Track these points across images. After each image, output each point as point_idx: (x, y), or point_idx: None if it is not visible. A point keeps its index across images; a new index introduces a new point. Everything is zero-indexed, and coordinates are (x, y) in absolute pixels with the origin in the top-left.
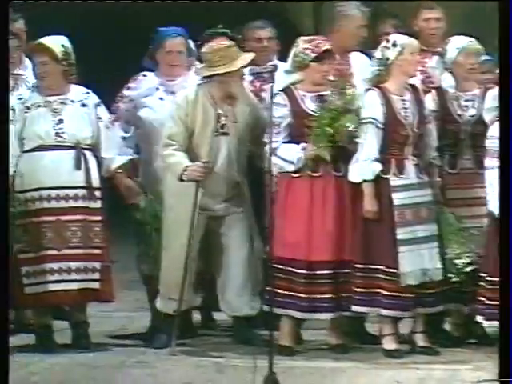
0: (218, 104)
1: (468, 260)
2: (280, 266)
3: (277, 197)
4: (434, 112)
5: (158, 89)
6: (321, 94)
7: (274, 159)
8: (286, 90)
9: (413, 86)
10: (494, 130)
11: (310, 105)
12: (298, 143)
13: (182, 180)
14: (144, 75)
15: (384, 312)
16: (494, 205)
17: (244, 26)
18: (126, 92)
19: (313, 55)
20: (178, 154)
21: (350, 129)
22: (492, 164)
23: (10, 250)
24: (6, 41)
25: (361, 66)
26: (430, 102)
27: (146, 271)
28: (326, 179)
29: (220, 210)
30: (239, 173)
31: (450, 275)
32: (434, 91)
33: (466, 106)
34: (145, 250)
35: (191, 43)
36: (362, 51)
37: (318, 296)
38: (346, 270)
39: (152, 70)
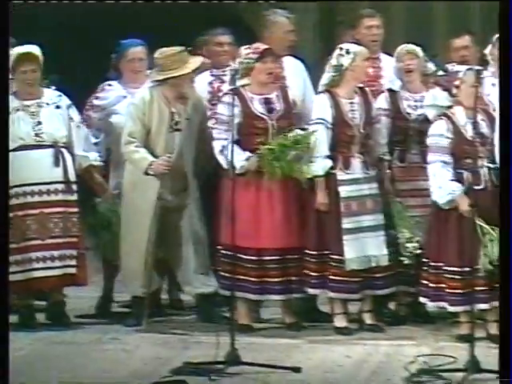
0: (171, 104)
1: (417, 244)
2: (232, 253)
3: (227, 189)
4: (385, 110)
5: (125, 97)
6: (267, 97)
7: (219, 157)
8: (236, 91)
9: (362, 90)
10: (433, 129)
11: (258, 107)
12: (245, 144)
13: (147, 174)
14: (110, 84)
15: (332, 294)
16: (436, 195)
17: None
18: (95, 101)
19: (255, 56)
20: (141, 150)
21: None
22: (434, 159)
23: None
24: (6, 41)
25: (293, 69)
26: (383, 101)
27: (111, 259)
28: (263, 179)
29: (174, 200)
30: (191, 166)
31: (402, 258)
32: (386, 92)
33: (415, 106)
34: (106, 240)
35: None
36: (293, 55)
37: (268, 280)
38: (296, 256)
39: (116, 79)
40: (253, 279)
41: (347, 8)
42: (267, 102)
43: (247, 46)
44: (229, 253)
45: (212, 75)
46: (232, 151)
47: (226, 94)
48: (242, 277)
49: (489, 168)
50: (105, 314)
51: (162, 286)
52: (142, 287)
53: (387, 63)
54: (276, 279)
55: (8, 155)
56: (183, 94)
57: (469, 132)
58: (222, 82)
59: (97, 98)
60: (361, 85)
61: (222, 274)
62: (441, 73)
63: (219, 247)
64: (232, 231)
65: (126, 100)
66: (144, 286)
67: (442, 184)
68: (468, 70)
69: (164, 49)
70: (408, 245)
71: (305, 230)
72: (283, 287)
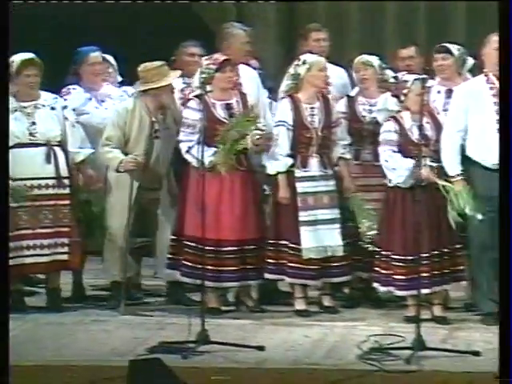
0: (152, 113)
1: (376, 231)
2: (193, 244)
3: (192, 186)
4: (344, 114)
5: (90, 99)
6: (228, 102)
7: (187, 156)
8: (200, 97)
9: (324, 96)
10: (383, 128)
11: (220, 112)
12: (209, 145)
13: (118, 171)
14: (74, 88)
15: (289, 280)
16: (393, 177)
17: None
18: (66, 103)
19: (215, 67)
20: (115, 150)
21: (251, 134)
22: (384, 149)
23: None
24: (6, 41)
25: (248, 77)
26: (342, 106)
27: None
28: (232, 174)
29: (151, 196)
30: (167, 167)
31: (366, 246)
32: (345, 98)
33: (370, 110)
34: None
35: (111, 58)
36: (247, 64)
37: (225, 268)
38: (254, 247)
39: (76, 83)
40: (211, 267)
41: (306, 22)
42: (228, 108)
43: (208, 57)
44: (191, 243)
45: (184, 83)
46: (202, 150)
47: (190, 99)
48: (200, 266)
49: (431, 166)
50: (88, 297)
51: (140, 272)
52: (119, 273)
53: (333, 72)
54: (233, 268)
55: (8, 152)
56: (163, 104)
57: (414, 134)
58: (193, 90)
59: (65, 100)
60: (324, 91)
61: (184, 262)
62: (392, 80)
63: (182, 238)
64: (195, 223)
65: (91, 102)
66: (122, 271)
67: (395, 165)
68: (415, 79)
69: (146, 63)
70: (369, 233)
71: (264, 222)
72: (240, 275)
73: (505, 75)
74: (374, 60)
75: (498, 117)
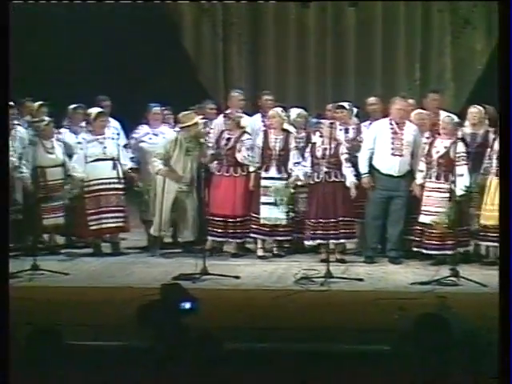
0: (186, 139)
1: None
2: (210, 218)
3: (212, 184)
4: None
5: (148, 133)
6: (232, 134)
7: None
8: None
9: (287, 131)
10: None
11: (224, 139)
12: None
13: (157, 174)
14: (142, 126)
15: (254, 235)
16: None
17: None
18: (133, 135)
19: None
20: (158, 162)
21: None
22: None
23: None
24: (6, 41)
25: (245, 120)
26: (292, 138)
27: (145, 218)
28: (230, 176)
29: (184, 189)
30: (194, 173)
31: (297, 218)
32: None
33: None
34: (144, 208)
35: (169, 109)
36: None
37: (230, 231)
38: (241, 219)
39: (144, 124)
40: (219, 230)
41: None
42: (229, 137)
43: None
44: (210, 217)
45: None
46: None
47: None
48: (214, 229)
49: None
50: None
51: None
52: (158, 232)
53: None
54: (231, 231)
55: (8, 155)
56: (192, 135)
57: (319, 152)
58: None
59: (134, 133)
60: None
61: (209, 228)
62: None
63: (207, 215)
64: (213, 206)
65: (149, 135)
66: (159, 231)
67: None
68: (329, 123)
69: (183, 112)
70: (302, 209)
71: (244, 204)
72: (234, 234)
73: (505, 75)
74: (279, 111)
75: (391, 146)
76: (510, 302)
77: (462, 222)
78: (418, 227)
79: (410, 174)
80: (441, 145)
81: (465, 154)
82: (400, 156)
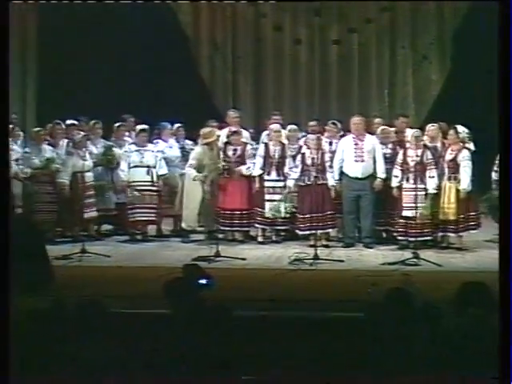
0: (209, 152)
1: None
2: (220, 211)
3: (225, 185)
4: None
5: (167, 147)
6: (237, 147)
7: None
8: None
9: (282, 143)
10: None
11: (229, 152)
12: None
13: (194, 180)
14: (157, 142)
15: (258, 225)
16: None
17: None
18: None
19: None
20: (192, 170)
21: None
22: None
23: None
24: (6, 41)
25: (246, 136)
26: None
27: (171, 213)
28: (234, 180)
29: (207, 189)
30: (214, 176)
31: (292, 213)
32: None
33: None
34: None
35: (177, 124)
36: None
37: (236, 221)
38: (246, 212)
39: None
40: (228, 221)
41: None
42: (235, 149)
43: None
44: (220, 211)
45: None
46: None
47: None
48: (223, 220)
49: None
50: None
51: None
52: (189, 224)
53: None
54: (238, 221)
55: (8, 156)
56: (213, 148)
57: (308, 160)
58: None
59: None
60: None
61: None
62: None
63: (217, 208)
64: (224, 202)
65: (167, 148)
66: (193, 223)
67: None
68: (316, 137)
69: (203, 129)
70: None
71: (249, 200)
72: (242, 225)
73: (505, 75)
74: (279, 127)
75: (354, 154)
76: (511, 301)
77: (434, 215)
78: (402, 220)
79: (372, 177)
80: (414, 154)
81: (433, 161)
82: (362, 162)
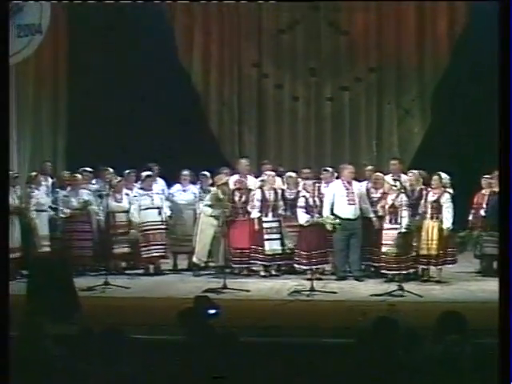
0: (221, 193)
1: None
2: (235, 250)
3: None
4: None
5: (179, 190)
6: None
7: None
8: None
9: (275, 189)
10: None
11: (237, 196)
12: None
13: (209, 216)
14: (175, 185)
15: (259, 263)
16: (301, 221)
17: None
18: (170, 191)
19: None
20: (207, 208)
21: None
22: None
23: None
24: (6, 41)
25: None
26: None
27: (177, 250)
28: (237, 220)
29: (218, 228)
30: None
31: (291, 250)
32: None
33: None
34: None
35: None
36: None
37: (245, 259)
38: (248, 250)
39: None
40: (237, 259)
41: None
42: (241, 192)
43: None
44: (232, 250)
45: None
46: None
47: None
48: (233, 258)
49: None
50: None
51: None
52: (198, 260)
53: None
54: (244, 258)
55: (8, 156)
56: (224, 191)
57: (302, 202)
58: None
59: (170, 189)
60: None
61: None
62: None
63: (230, 247)
64: (234, 241)
65: (179, 191)
66: (202, 259)
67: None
68: (313, 182)
69: (218, 175)
70: (292, 245)
71: (250, 239)
72: (246, 262)
73: (505, 75)
74: (273, 175)
75: (347, 198)
76: (510, 308)
77: (408, 251)
78: (382, 256)
79: (360, 217)
80: (389, 198)
81: (406, 203)
82: (353, 204)
